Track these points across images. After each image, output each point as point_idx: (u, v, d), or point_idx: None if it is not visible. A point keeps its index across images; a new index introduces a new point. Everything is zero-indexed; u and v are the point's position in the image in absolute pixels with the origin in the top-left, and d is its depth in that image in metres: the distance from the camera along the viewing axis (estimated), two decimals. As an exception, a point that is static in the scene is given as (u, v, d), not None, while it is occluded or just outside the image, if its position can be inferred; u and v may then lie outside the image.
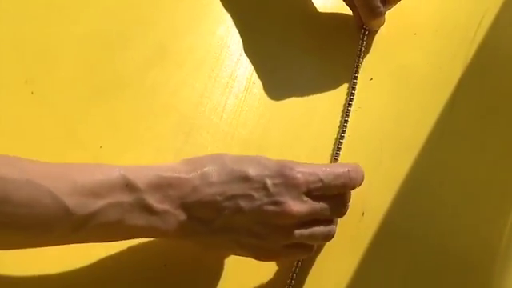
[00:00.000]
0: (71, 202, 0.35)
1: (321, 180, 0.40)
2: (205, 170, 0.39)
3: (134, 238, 0.40)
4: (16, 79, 0.47)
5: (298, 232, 0.40)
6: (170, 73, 0.48)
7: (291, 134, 0.48)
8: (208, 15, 0.51)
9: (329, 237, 0.41)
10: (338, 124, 0.48)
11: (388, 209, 0.46)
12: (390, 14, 0.50)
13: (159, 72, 0.48)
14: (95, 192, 0.36)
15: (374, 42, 0.50)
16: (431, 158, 0.48)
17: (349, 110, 0.48)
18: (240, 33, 0.50)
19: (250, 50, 0.50)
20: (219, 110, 0.48)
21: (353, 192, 0.45)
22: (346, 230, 0.45)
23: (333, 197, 0.41)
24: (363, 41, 0.49)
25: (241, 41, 0.50)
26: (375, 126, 0.48)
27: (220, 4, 0.51)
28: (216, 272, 0.44)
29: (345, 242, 0.45)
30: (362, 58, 0.50)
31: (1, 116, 0.45)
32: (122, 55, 0.48)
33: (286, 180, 0.39)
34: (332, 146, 0.48)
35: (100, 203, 0.36)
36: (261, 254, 0.41)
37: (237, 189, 0.38)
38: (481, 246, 0.46)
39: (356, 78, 0.49)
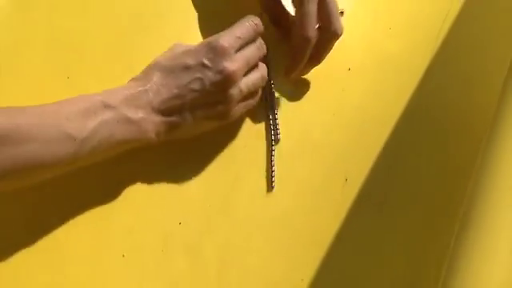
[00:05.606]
0: (71, 128, 0.40)
1: (239, 37, 0.46)
2: (154, 78, 0.45)
3: (123, 149, 0.45)
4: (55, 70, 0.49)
5: (243, 83, 0.46)
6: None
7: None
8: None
9: (264, 76, 0.48)
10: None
11: (370, 175, 0.49)
12: (366, 12, 0.55)
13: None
14: (85, 116, 0.41)
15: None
16: (407, 129, 0.51)
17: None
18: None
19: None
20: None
21: (336, 159, 0.49)
22: (330, 195, 0.48)
23: (250, 42, 0.47)
24: None
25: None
26: (357, 104, 0.52)
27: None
28: (230, 224, 0.46)
29: (329, 206, 0.48)
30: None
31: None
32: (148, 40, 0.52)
33: (216, 51, 0.45)
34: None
35: (92, 124, 0.41)
36: (226, 117, 0.47)
37: (185, 78, 0.44)
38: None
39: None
